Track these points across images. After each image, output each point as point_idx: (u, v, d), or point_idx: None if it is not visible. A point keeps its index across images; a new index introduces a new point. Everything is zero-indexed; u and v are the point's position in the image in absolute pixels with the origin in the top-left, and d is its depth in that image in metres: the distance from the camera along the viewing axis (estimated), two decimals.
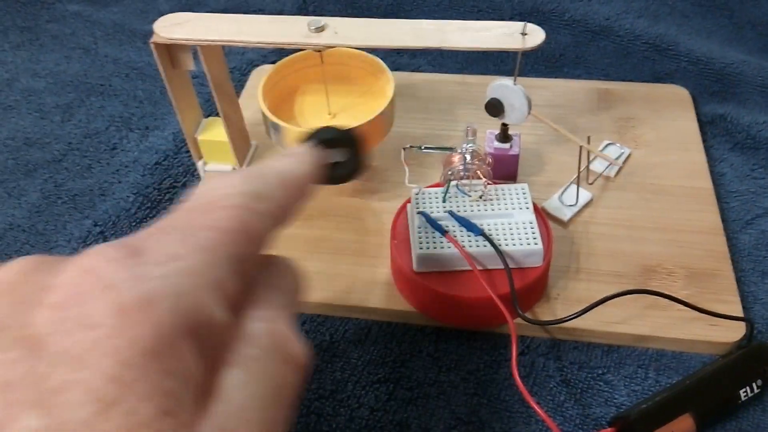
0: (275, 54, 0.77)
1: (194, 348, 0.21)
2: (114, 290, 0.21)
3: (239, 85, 0.74)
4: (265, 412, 0.23)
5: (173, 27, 0.55)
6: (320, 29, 0.53)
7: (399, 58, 0.78)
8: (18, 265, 0.24)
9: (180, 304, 0.21)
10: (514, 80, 0.55)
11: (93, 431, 0.18)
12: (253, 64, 0.77)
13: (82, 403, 0.19)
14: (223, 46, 0.59)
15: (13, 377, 0.19)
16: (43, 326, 0.21)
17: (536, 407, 0.43)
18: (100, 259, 0.22)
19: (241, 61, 0.78)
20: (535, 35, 0.52)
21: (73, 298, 0.21)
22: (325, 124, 0.42)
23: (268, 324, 0.25)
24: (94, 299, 0.21)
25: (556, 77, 0.75)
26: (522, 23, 0.52)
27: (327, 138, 0.41)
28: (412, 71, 0.76)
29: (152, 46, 0.55)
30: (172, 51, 0.57)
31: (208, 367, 0.22)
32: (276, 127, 0.58)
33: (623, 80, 0.74)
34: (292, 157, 0.34)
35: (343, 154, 0.42)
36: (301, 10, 0.86)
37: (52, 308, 0.21)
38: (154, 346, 0.20)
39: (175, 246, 0.23)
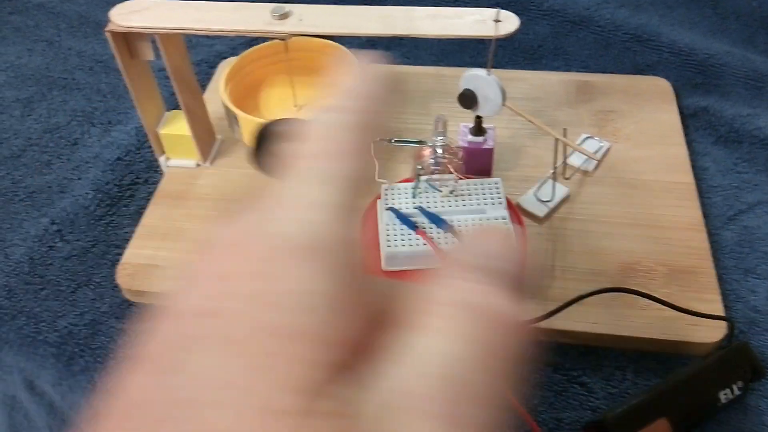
0: (245, 45, 0.74)
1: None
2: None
3: (207, 77, 0.72)
4: (461, 381, 0.18)
5: (130, 15, 0.52)
6: (284, 16, 0.51)
7: (372, 50, 0.75)
8: None
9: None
10: (488, 70, 0.53)
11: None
12: (222, 57, 0.75)
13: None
14: (186, 36, 0.56)
15: None
16: None
17: (518, 407, 0.41)
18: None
19: (210, 53, 0.75)
20: (508, 22, 0.50)
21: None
22: (284, 116, 0.40)
23: (456, 280, 0.21)
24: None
25: (534, 69, 0.73)
26: (495, 10, 0.50)
27: (284, 130, 0.39)
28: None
29: (108, 34, 0.52)
30: (129, 40, 0.54)
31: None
32: (235, 118, 0.55)
33: (603, 72, 0.72)
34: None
35: None
36: None
37: None
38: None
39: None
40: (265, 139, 0.48)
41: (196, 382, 0.17)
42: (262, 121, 0.54)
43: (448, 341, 0.19)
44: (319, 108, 0.22)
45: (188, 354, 0.17)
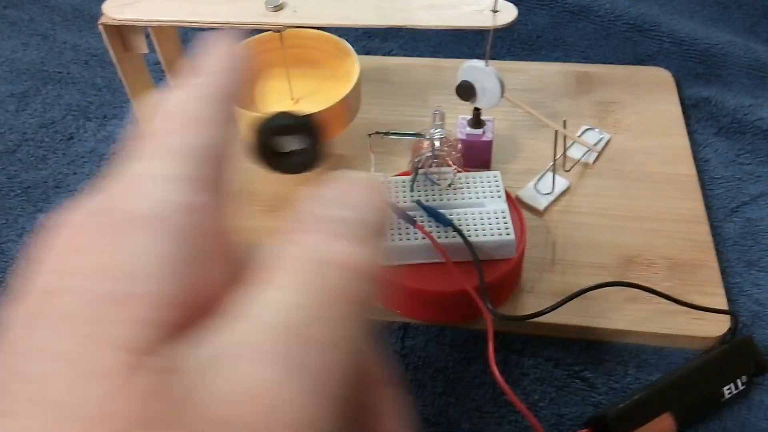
0: (241, 37, 0.73)
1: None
2: None
3: None
4: (300, 328, 0.19)
5: (123, 7, 0.52)
6: (278, 8, 0.50)
7: (370, 42, 0.75)
8: None
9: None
10: (486, 61, 0.52)
11: None
12: None
13: None
14: (180, 28, 0.55)
15: None
16: None
17: (518, 403, 0.41)
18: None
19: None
20: (506, 12, 0.49)
21: None
22: (283, 110, 0.39)
23: (305, 234, 0.21)
24: None
25: (533, 60, 0.72)
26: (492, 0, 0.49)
27: (283, 125, 0.38)
28: (384, 55, 0.73)
29: (101, 28, 0.51)
30: (123, 33, 0.53)
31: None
32: None
33: (603, 62, 0.71)
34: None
35: (301, 142, 0.39)
36: None
37: None
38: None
39: None
40: (265, 134, 0.47)
41: (30, 357, 0.18)
42: (259, 115, 0.53)
43: (288, 291, 0.19)
44: (169, 89, 0.23)
45: (30, 331, 0.18)
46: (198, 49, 0.24)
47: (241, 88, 0.25)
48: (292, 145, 0.38)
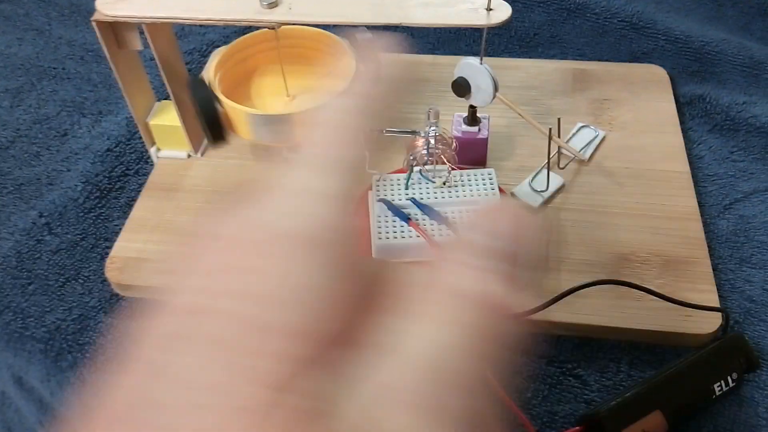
0: (238, 34, 0.73)
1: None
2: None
3: (200, 66, 0.71)
4: (448, 371, 0.18)
5: (116, 3, 0.51)
6: (273, 5, 0.50)
7: None
8: None
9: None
10: (481, 59, 0.52)
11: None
12: (214, 45, 0.74)
13: None
14: (178, 25, 0.55)
15: None
16: None
17: (510, 402, 0.41)
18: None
19: (201, 42, 0.74)
20: (500, 11, 0.49)
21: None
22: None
23: (453, 264, 0.20)
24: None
25: (529, 57, 0.72)
26: None
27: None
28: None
29: (94, 24, 0.51)
30: (116, 30, 0.53)
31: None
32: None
33: (599, 60, 0.71)
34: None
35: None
36: None
37: None
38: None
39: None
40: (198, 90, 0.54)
41: (178, 384, 0.16)
42: (254, 111, 0.53)
43: (438, 329, 0.18)
44: (322, 94, 0.22)
45: (174, 354, 0.17)
46: (357, 49, 0.23)
47: (391, 109, 0.23)
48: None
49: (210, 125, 0.53)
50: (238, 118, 0.53)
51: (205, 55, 0.73)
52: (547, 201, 0.56)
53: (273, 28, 0.53)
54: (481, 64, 0.52)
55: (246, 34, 0.59)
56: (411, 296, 0.19)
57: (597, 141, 0.61)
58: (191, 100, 0.53)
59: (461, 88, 0.54)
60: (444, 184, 0.51)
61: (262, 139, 0.54)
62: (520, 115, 0.53)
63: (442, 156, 0.52)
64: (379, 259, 0.20)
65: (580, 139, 0.61)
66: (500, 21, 0.48)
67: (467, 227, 0.21)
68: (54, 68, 0.74)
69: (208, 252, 0.19)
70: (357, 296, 0.19)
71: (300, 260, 0.18)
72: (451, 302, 0.19)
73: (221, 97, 0.53)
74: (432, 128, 0.53)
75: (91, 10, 0.51)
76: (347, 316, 0.18)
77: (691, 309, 0.48)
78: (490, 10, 0.49)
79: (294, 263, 0.18)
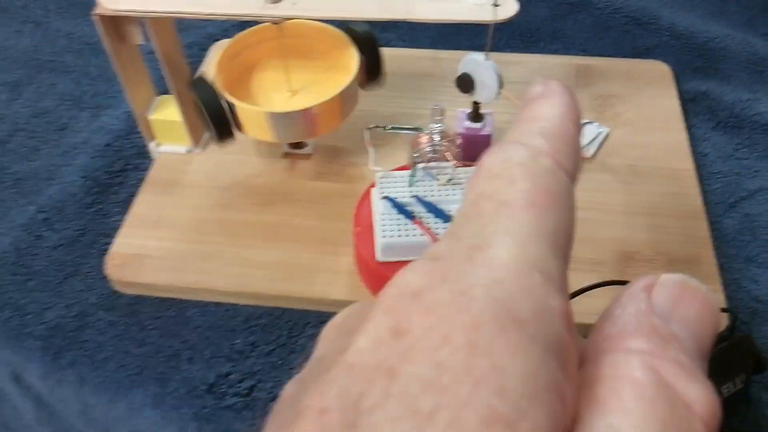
0: (237, 28, 0.72)
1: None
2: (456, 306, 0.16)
3: (199, 60, 0.70)
4: None
5: None
6: None
7: None
8: (348, 308, 0.21)
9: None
10: (486, 55, 0.52)
11: None
12: (214, 39, 0.73)
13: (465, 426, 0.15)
14: (176, 19, 0.54)
15: (329, 403, 0.15)
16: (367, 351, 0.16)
17: None
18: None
19: (201, 36, 0.73)
20: (507, 6, 0.49)
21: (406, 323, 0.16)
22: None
23: (649, 357, 0.18)
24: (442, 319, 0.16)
25: (531, 52, 0.71)
26: None
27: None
28: (382, 46, 0.72)
29: (95, 18, 0.51)
30: (118, 23, 0.53)
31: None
32: (230, 107, 0.54)
33: (602, 55, 0.70)
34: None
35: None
36: None
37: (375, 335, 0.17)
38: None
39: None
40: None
41: None
42: (258, 109, 0.52)
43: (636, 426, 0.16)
44: (514, 143, 0.19)
45: (368, 416, 0.15)
46: (547, 91, 0.22)
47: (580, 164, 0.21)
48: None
49: (216, 125, 0.52)
50: (252, 118, 0.53)
51: (204, 49, 0.72)
52: None
53: (277, 23, 0.53)
54: (486, 59, 0.51)
55: (246, 28, 0.59)
56: (608, 386, 0.17)
57: (601, 138, 0.61)
58: (195, 100, 0.52)
59: (465, 84, 0.53)
60: (448, 181, 0.50)
61: (280, 138, 0.54)
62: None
63: (447, 153, 0.51)
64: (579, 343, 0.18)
65: (584, 136, 0.61)
66: (507, 17, 0.48)
67: (646, 305, 0.18)
68: (52, 61, 0.74)
69: (405, 311, 0.16)
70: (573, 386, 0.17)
71: (524, 345, 0.16)
72: (652, 398, 0.16)
73: (231, 98, 0.53)
74: (437, 125, 0.52)
75: (90, 2, 0.51)
76: (572, 415, 0.17)
77: None
78: (497, 5, 0.48)
79: (517, 348, 0.16)
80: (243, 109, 0.53)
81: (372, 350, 0.16)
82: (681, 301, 0.18)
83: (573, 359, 0.17)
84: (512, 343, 0.15)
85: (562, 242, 0.18)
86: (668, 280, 0.19)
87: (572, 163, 0.20)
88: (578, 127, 0.21)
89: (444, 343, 0.15)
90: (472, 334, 0.15)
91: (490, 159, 0.20)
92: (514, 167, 0.19)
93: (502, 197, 0.18)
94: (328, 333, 0.21)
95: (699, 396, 0.17)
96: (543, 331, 0.16)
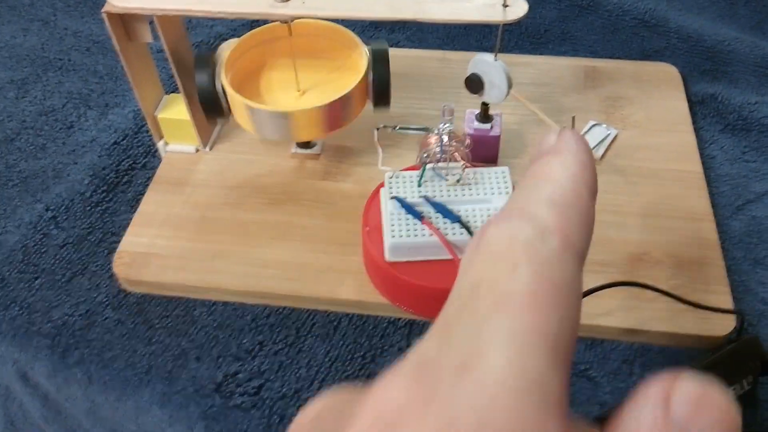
0: (246, 27, 0.73)
1: None
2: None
3: None
4: None
5: None
6: None
7: (377, 33, 0.74)
8: (320, 401, 0.20)
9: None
10: (495, 56, 0.52)
11: None
12: (222, 38, 0.73)
13: None
14: (184, 17, 0.55)
15: None
16: None
17: None
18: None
19: (209, 35, 0.74)
20: (517, 7, 0.49)
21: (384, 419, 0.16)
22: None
23: None
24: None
25: (540, 54, 0.71)
26: None
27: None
28: (391, 47, 0.72)
29: (104, 16, 0.51)
30: (126, 22, 0.53)
31: None
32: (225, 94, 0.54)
33: (611, 57, 0.71)
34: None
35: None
36: None
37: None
38: None
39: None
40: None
41: None
42: (269, 109, 0.52)
43: None
44: (519, 217, 0.18)
45: None
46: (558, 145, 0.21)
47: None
48: None
49: (205, 104, 0.55)
50: (262, 119, 0.53)
51: (212, 49, 0.72)
52: None
53: (286, 22, 0.53)
54: (495, 60, 0.51)
55: (255, 27, 0.59)
56: None
57: (609, 139, 0.61)
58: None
59: (475, 84, 0.53)
60: (457, 182, 0.50)
61: (280, 137, 0.54)
62: (535, 113, 0.52)
63: (456, 153, 0.51)
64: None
65: (592, 138, 0.61)
66: (517, 17, 0.48)
67: (661, 402, 0.17)
68: (60, 59, 0.74)
69: (417, 388, 0.16)
70: None
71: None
72: None
73: (247, 101, 0.53)
74: (446, 125, 0.52)
75: (97, 0, 0.51)
76: None
77: (705, 311, 0.48)
78: (507, 6, 0.48)
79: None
80: (254, 107, 0.53)
81: None
82: (700, 410, 0.17)
83: None
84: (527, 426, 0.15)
85: (564, 347, 0.17)
86: (687, 387, 0.17)
87: (583, 238, 0.19)
88: (592, 191, 0.20)
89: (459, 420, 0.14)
90: (480, 411, 0.15)
91: (493, 232, 0.19)
92: (518, 249, 0.18)
93: (502, 288, 0.17)
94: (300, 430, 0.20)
95: None
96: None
